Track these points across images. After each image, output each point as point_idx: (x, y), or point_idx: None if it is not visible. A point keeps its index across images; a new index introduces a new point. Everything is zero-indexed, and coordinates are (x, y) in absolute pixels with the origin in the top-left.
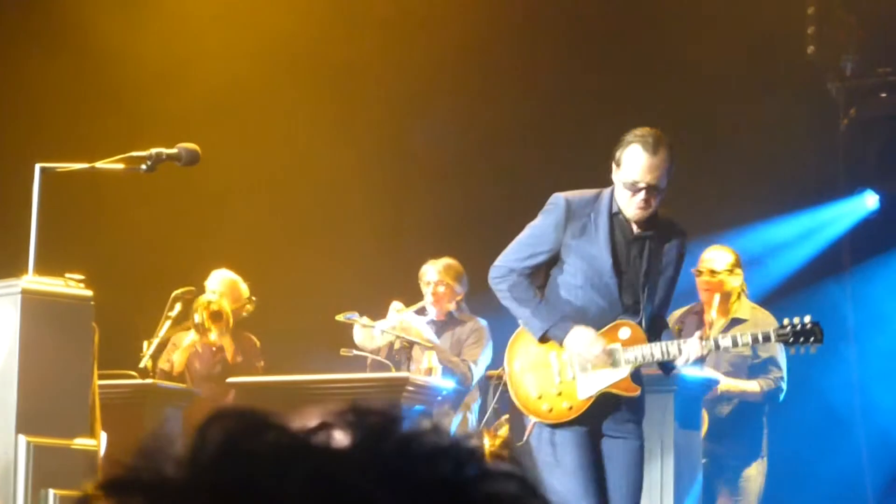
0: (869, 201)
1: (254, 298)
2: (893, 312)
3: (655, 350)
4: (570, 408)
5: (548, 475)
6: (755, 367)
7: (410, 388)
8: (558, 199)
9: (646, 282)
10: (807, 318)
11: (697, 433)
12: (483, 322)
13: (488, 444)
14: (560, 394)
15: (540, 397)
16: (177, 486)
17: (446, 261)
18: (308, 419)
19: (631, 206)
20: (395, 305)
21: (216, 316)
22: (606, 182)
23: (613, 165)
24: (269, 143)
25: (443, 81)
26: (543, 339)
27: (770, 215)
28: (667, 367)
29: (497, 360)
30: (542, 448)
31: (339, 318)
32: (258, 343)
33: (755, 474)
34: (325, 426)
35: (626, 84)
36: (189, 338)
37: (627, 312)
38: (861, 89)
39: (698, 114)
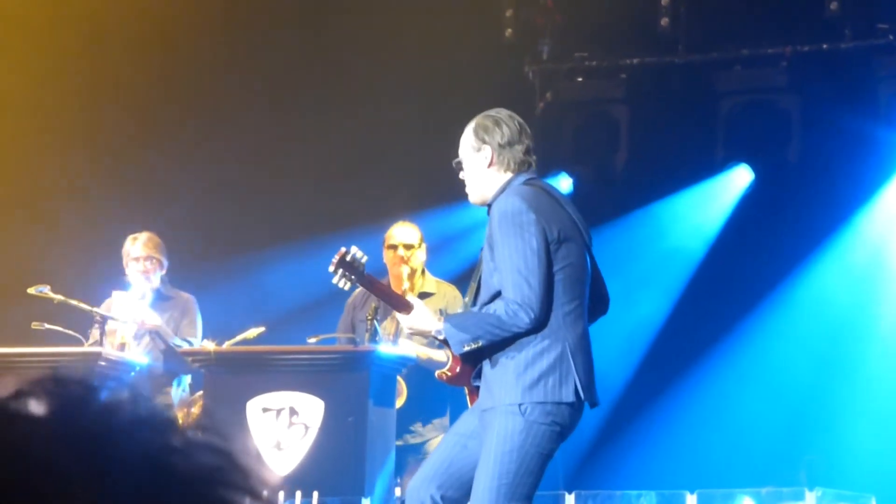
0: (563, 184)
1: None
2: None
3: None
4: None
5: None
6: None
7: (103, 362)
8: None
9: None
10: None
11: (392, 410)
12: (190, 296)
13: (181, 420)
14: None
15: None
16: None
17: (148, 234)
18: (2, 388)
19: None
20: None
21: None
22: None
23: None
24: None
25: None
26: None
27: (463, 199)
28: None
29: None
30: None
31: (31, 291)
32: None
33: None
34: (21, 394)
35: (324, 66)
36: None
37: None
38: (557, 73)
39: (394, 96)
